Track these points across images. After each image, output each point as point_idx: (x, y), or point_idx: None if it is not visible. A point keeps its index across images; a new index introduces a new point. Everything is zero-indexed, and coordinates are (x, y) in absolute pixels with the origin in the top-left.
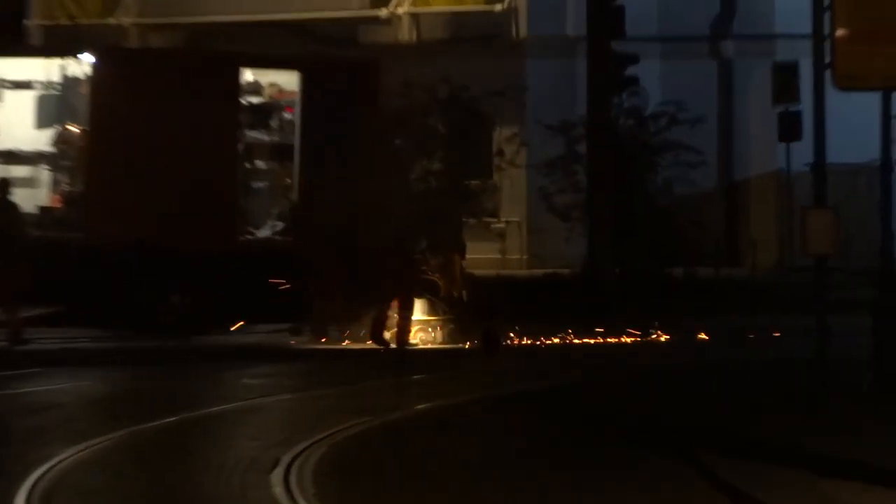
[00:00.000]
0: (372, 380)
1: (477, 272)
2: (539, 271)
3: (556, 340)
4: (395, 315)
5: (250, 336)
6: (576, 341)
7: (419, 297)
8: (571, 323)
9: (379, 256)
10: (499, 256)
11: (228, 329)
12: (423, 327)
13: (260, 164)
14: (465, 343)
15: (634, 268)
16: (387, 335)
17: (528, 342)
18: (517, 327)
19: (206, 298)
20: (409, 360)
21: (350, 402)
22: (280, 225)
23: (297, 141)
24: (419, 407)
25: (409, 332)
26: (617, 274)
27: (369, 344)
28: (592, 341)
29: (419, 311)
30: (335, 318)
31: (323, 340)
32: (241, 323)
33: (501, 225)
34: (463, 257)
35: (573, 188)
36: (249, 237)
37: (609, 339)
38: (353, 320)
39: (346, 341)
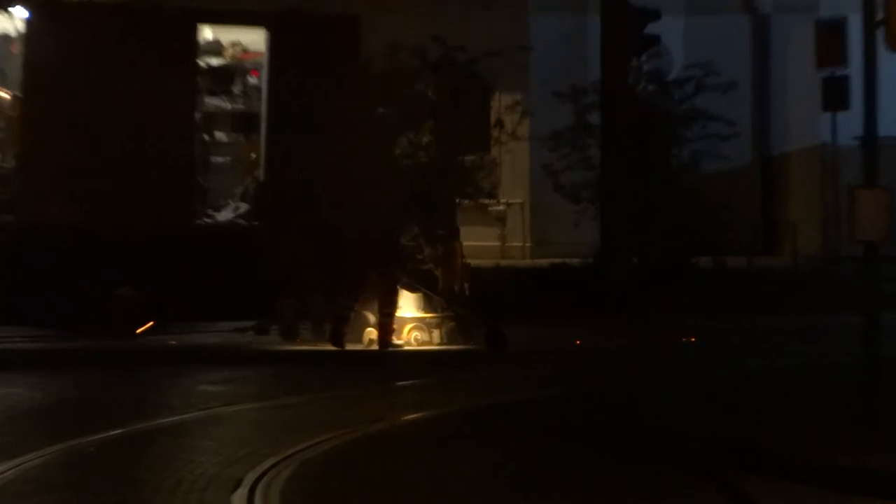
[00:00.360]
0: (352, 386)
1: (473, 262)
2: (544, 261)
3: (565, 341)
4: (371, 313)
5: (210, 335)
6: (587, 342)
7: (413, 291)
8: (582, 321)
9: (358, 244)
10: (498, 244)
11: (185, 327)
12: (419, 325)
13: (221, 135)
14: (466, 343)
15: (655, 257)
16: (371, 335)
17: (534, 342)
18: (521, 326)
19: (158, 291)
20: (394, 362)
21: (325, 412)
22: (244, 207)
23: (263, 109)
24: (407, 417)
25: (392, 331)
26: (634, 264)
27: (370, 345)
28: (606, 342)
29: (414, 307)
30: (308, 315)
31: (298, 340)
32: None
33: (501, 207)
34: None
35: (584, 165)
36: (208, 220)
37: (625, 340)
38: (330, 318)
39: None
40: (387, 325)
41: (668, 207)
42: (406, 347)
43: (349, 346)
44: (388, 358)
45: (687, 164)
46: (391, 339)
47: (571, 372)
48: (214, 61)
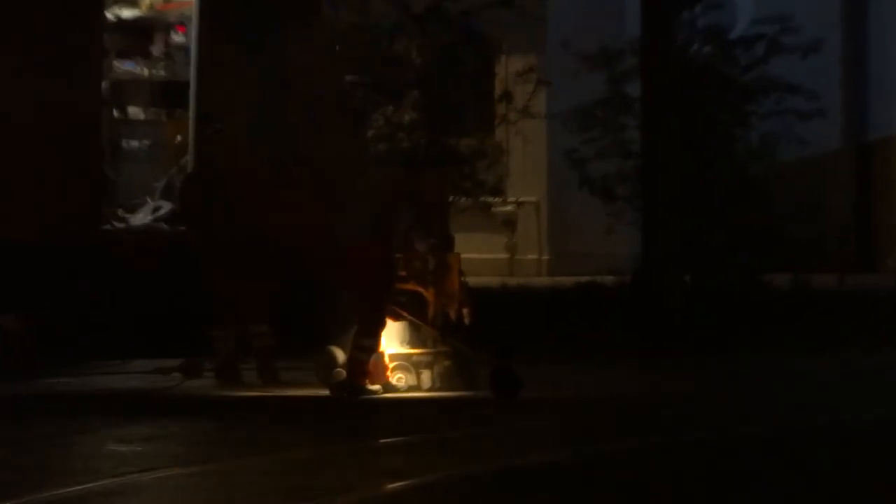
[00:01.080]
0: (311, 446)
1: (473, 280)
2: (567, 279)
3: (597, 383)
4: (341, 349)
5: (123, 378)
6: (627, 386)
7: (396, 318)
8: (618, 357)
9: (324, 256)
10: (506, 256)
11: (89, 366)
12: (404, 364)
13: (135, 111)
14: (466, 387)
15: (714, 273)
16: (341, 377)
17: (555, 386)
18: (537, 364)
19: (54, 319)
20: (369, 413)
21: (279, 478)
22: (166, 206)
23: (192, 77)
24: (384, 488)
25: (366, 372)
26: (687, 283)
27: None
28: (651, 384)
29: (397, 341)
30: (250, 352)
31: (239, 384)
32: None
33: (510, 208)
34: None
35: (619, 151)
36: (119, 225)
37: (675, 382)
38: (279, 353)
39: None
40: (362, 362)
41: (731, 208)
42: (385, 393)
43: (309, 392)
44: (362, 408)
45: (756, 150)
46: (364, 383)
47: (608, 426)
48: (127, 13)
